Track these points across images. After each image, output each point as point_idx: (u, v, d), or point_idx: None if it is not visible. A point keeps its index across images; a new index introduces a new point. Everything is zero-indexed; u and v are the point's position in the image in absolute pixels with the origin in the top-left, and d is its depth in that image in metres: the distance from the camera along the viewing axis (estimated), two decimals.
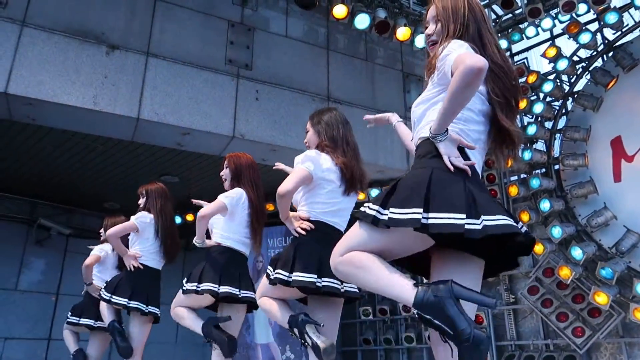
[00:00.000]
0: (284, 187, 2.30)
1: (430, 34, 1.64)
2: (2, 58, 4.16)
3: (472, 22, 1.57)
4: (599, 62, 5.64)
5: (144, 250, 3.76)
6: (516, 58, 6.62)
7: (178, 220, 7.70)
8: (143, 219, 3.78)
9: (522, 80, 6.06)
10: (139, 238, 3.74)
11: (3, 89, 4.10)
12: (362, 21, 5.60)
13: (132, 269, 3.69)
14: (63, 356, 7.19)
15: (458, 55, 1.42)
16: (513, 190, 5.47)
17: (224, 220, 3.08)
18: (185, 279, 3.07)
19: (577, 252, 4.88)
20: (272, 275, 2.33)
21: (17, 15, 4.32)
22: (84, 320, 4.20)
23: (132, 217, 3.77)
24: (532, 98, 5.84)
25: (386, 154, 5.66)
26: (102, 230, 4.45)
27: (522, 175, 5.78)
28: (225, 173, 3.30)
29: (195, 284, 2.96)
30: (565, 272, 4.81)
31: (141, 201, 3.96)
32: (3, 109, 4.37)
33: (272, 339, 6.82)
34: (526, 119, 6.11)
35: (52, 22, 4.44)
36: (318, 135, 2.54)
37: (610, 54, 5.50)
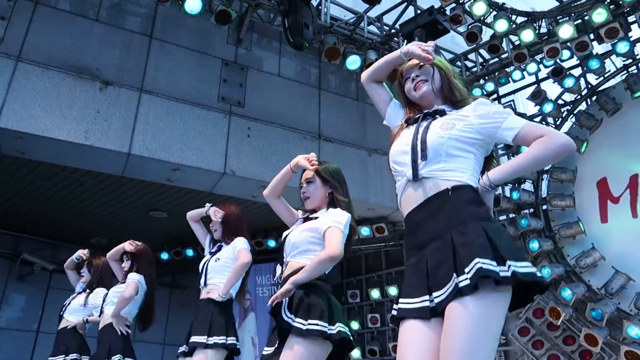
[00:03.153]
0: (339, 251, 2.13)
1: (418, 75, 1.71)
2: None
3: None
4: (583, 106, 5.78)
5: (130, 313, 3.62)
6: (503, 100, 6.77)
7: (165, 256, 7.59)
8: (142, 283, 3.62)
9: None
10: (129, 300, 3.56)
11: None
12: (354, 62, 5.72)
13: (125, 333, 3.52)
14: None
15: (532, 123, 1.53)
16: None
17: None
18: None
19: (567, 293, 4.86)
20: (305, 326, 2.03)
21: (12, 50, 4.35)
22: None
23: (132, 278, 3.57)
24: None
25: (377, 192, 5.68)
26: (86, 270, 4.20)
27: (511, 215, 5.81)
28: (217, 225, 3.17)
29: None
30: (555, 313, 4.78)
31: (126, 264, 3.76)
32: None
33: None
34: None
35: (47, 57, 4.48)
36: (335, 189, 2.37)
37: (594, 98, 5.65)
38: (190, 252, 7.38)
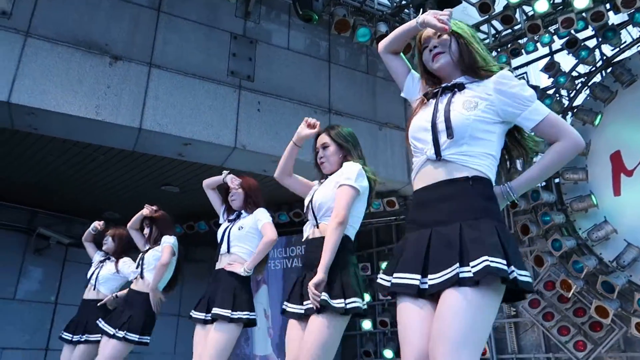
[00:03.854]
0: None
1: (436, 45, 1.64)
2: (6, 68, 4.14)
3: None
4: (597, 78, 5.64)
5: (164, 280, 3.66)
6: (515, 73, 6.63)
7: (178, 230, 7.65)
8: (176, 245, 3.65)
9: None
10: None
11: (6, 98, 4.08)
12: (364, 35, 5.62)
13: (156, 311, 3.56)
14: None
15: (553, 116, 1.51)
16: (514, 204, 5.44)
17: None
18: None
19: (578, 266, 4.84)
20: (344, 304, 2.07)
21: (21, 25, 4.31)
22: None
23: (167, 241, 3.62)
24: None
25: (387, 166, 5.64)
26: (109, 239, 4.27)
27: None
28: (238, 194, 3.19)
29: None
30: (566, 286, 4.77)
31: (147, 230, 3.83)
32: (5, 118, 4.35)
33: (271, 351, 6.74)
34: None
35: (56, 33, 4.44)
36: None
37: (609, 69, 5.51)
38: (202, 226, 7.44)
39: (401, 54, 1.83)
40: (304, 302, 2.19)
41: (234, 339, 2.83)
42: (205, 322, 2.93)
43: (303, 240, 2.37)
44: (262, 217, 3.05)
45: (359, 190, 2.22)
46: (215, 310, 2.83)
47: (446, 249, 1.40)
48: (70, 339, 3.86)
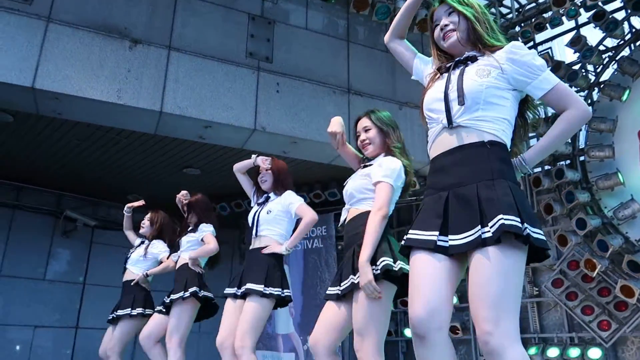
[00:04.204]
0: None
1: (446, 24, 1.68)
2: (29, 53, 4.21)
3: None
4: (626, 52, 5.46)
5: (203, 259, 3.88)
6: (540, 48, 6.46)
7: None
8: (214, 232, 3.85)
9: None
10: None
11: (30, 84, 4.15)
12: (383, 12, 5.52)
13: (200, 272, 3.77)
14: (90, 344, 7.36)
15: (562, 86, 1.55)
16: (537, 182, 5.35)
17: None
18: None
19: (603, 245, 4.76)
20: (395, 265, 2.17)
21: (42, 11, 4.35)
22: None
23: (206, 229, 3.81)
24: None
25: (407, 145, 5.53)
26: (147, 223, 4.45)
27: (547, 167, 5.65)
28: (268, 175, 3.29)
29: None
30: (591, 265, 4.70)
31: (188, 215, 3.97)
32: (30, 103, 4.43)
33: (293, 329, 6.85)
34: (550, 111, 5.97)
35: (76, 17, 4.47)
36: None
37: (638, 43, 5.32)
38: (224, 208, 7.53)
39: (405, 40, 1.91)
40: (342, 283, 2.29)
41: (266, 315, 2.93)
42: (235, 296, 3.04)
43: (340, 225, 2.51)
44: (293, 200, 3.15)
45: (396, 187, 2.34)
46: (249, 285, 2.92)
47: (465, 210, 1.45)
48: (112, 318, 4.14)
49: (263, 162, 3.23)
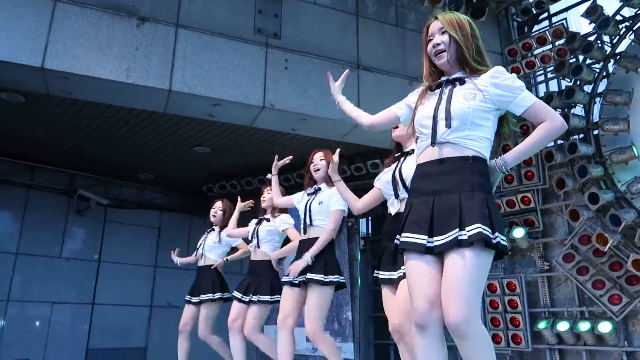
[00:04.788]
0: None
1: (438, 43, 1.88)
2: (38, 34, 4.24)
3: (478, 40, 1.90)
4: None
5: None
6: (554, 19, 6.33)
7: (211, 190, 7.85)
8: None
9: (561, 42, 5.81)
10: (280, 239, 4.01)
11: (40, 64, 4.19)
12: None
13: (278, 271, 4.02)
14: (106, 319, 7.58)
15: (539, 103, 1.79)
16: (549, 157, 5.32)
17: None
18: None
19: (615, 219, 4.75)
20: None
21: None
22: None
23: (289, 222, 3.91)
24: (570, 61, 5.61)
25: None
26: (218, 212, 4.60)
27: (560, 142, 5.61)
28: (322, 165, 3.44)
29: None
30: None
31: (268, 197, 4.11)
32: (40, 83, 4.48)
33: None
34: (564, 83, 5.89)
35: None
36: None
37: None
38: (234, 186, 7.60)
39: (376, 116, 2.26)
40: (397, 270, 2.45)
41: (329, 300, 3.20)
42: (292, 284, 3.32)
43: (393, 214, 2.57)
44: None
45: None
46: (310, 275, 3.17)
47: (448, 215, 1.71)
48: (189, 300, 4.45)
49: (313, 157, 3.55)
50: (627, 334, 4.90)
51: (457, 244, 1.66)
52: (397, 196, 2.52)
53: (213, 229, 4.57)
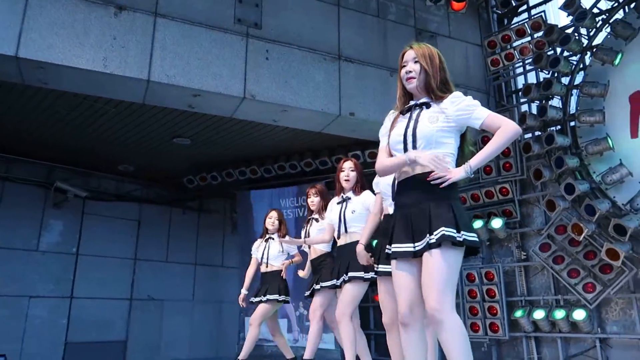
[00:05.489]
0: None
1: (410, 70, 2.20)
2: (12, 22, 4.17)
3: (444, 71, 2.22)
4: (620, 15, 5.47)
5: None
6: (533, 12, 6.45)
7: (191, 182, 7.83)
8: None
9: (540, 34, 5.93)
10: None
11: (14, 52, 4.13)
12: None
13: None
14: (85, 313, 7.54)
15: (493, 114, 2.12)
16: (527, 148, 5.45)
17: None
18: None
19: (590, 209, 4.89)
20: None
21: None
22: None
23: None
24: (548, 53, 5.73)
25: None
26: (275, 222, 5.00)
27: (537, 133, 5.74)
28: (352, 176, 3.77)
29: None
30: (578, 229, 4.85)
31: (313, 200, 4.45)
32: (15, 72, 4.42)
33: None
34: (542, 75, 6.01)
35: None
36: None
37: (632, 5, 5.33)
38: (215, 178, 7.60)
39: None
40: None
41: (362, 293, 3.66)
42: (335, 286, 3.75)
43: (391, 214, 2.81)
44: (371, 200, 3.62)
45: None
46: (351, 273, 3.56)
47: (422, 223, 2.04)
48: (252, 301, 4.87)
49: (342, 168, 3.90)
50: (601, 321, 5.07)
51: (428, 247, 1.99)
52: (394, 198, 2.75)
53: (272, 238, 4.96)
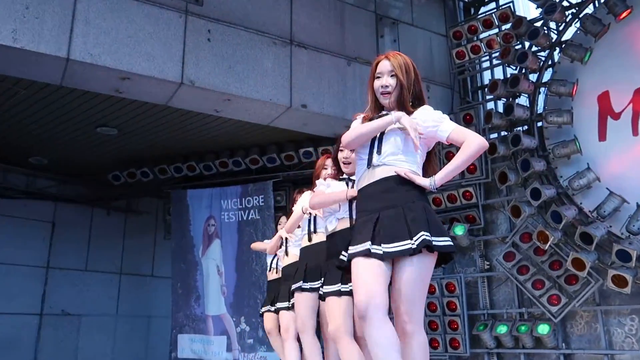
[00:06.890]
0: None
1: (386, 85, 2.33)
2: None
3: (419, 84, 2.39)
4: (590, 9, 5.71)
5: None
6: (501, 2, 6.64)
7: (118, 178, 7.55)
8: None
9: (507, 26, 6.10)
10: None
11: None
12: None
13: None
14: None
15: (458, 127, 2.31)
16: (492, 149, 5.59)
17: None
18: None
19: (557, 216, 5.08)
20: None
21: None
22: None
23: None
24: (516, 47, 5.90)
25: (356, 106, 5.63)
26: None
27: (503, 133, 5.90)
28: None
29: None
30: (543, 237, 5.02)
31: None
32: None
33: (225, 311, 6.90)
34: (509, 70, 6.19)
35: None
36: None
37: None
38: (146, 174, 7.34)
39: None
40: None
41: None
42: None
43: None
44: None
45: None
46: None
47: (396, 226, 2.12)
48: (267, 310, 4.82)
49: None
50: (566, 336, 5.28)
51: (410, 253, 2.06)
52: None
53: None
